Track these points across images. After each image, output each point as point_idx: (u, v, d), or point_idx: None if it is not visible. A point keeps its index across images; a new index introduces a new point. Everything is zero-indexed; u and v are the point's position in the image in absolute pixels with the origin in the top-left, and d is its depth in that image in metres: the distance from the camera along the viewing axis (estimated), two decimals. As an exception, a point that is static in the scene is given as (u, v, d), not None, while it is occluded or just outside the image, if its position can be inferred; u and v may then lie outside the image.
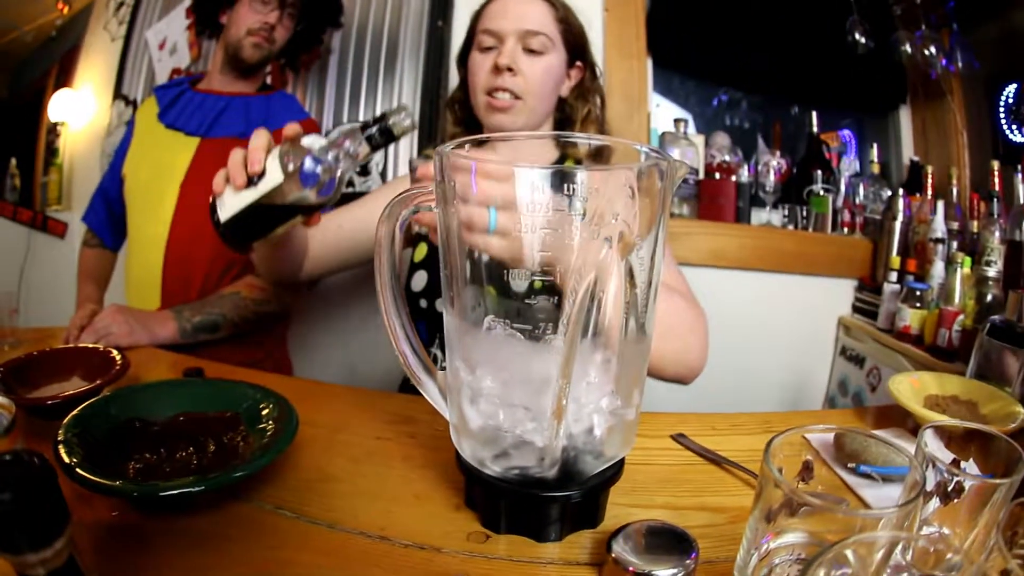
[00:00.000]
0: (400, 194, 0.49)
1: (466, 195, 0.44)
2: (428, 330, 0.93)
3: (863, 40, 1.54)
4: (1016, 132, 1.49)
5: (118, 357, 0.74)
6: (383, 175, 1.39)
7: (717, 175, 1.51)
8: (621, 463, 0.49)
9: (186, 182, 1.12)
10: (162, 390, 0.64)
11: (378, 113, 0.64)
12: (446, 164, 0.44)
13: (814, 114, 1.57)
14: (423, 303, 0.94)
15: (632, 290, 0.44)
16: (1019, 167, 1.44)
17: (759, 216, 1.52)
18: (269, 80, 1.28)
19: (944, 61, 1.54)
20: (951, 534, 0.39)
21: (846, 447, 0.55)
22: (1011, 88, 1.49)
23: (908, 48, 1.56)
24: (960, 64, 1.54)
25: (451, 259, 0.46)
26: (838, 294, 1.52)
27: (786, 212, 1.54)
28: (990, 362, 0.84)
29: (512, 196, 0.41)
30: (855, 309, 1.53)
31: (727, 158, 1.48)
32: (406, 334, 0.52)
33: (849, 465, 0.52)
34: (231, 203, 0.63)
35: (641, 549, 0.41)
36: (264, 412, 0.60)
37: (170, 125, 1.17)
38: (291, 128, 0.64)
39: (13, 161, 2.06)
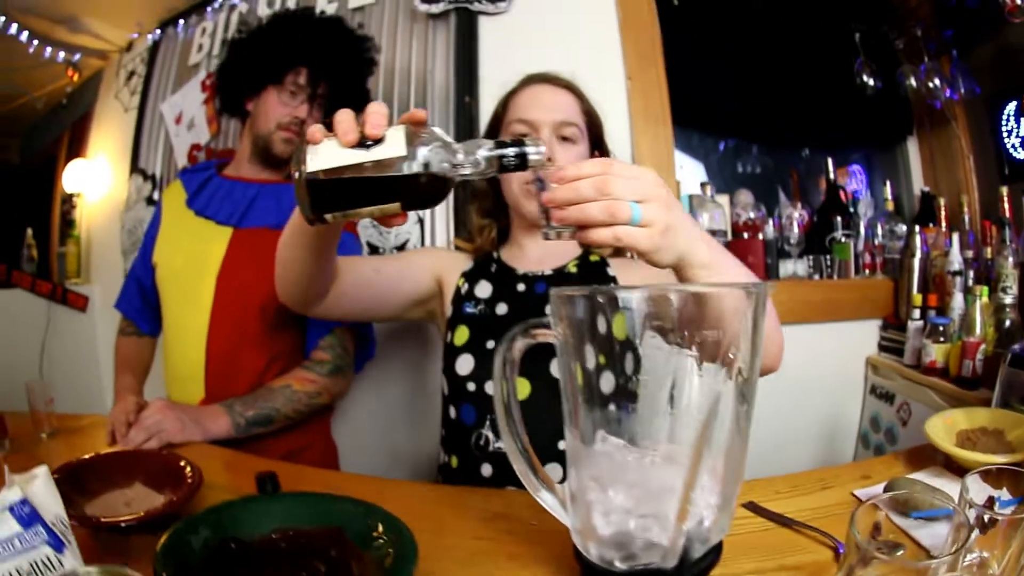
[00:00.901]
0: (520, 325, 0.53)
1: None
2: (477, 413, 0.94)
3: (872, 82, 1.57)
4: (1020, 150, 1.51)
5: (187, 468, 0.70)
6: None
7: (745, 234, 1.53)
8: (720, 544, 0.53)
9: (222, 274, 1.12)
10: (250, 506, 0.61)
11: (513, 138, 0.59)
12: (560, 306, 0.49)
13: (830, 161, 1.60)
14: (471, 386, 0.94)
15: (741, 407, 0.48)
16: (1026, 189, 1.46)
17: (785, 268, 1.55)
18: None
19: (948, 91, 1.57)
20: (990, 556, 0.45)
21: (897, 500, 0.62)
22: (1011, 106, 1.51)
23: (913, 82, 1.60)
24: (963, 91, 1.57)
25: (572, 390, 0.50)
26: (864, 335, 1.54)
27: (811, 262, 1.56)
28: (1013, 389, 0.90)
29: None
30: (881, 348, 1.55)
31: (751, 215, 1.51)
32: (523, 452, 0.55)
33: (902, 512, 0.58)
34: (330, 156, 0.55)
35: None
36: (370, 527, 0.57)
37: (200, 212, 1.17)
38: (419, 112, 0.59)
39: (29, 231, 2.07)
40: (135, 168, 1.77)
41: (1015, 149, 1.51)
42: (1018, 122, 1.49)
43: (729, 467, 0.49)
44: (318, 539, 0.55)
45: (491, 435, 0.92)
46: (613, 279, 1.00)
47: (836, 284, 1.54)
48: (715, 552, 0.53)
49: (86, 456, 0.71)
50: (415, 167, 0.55)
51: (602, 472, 0.50)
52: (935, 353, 1.33)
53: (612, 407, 0.49)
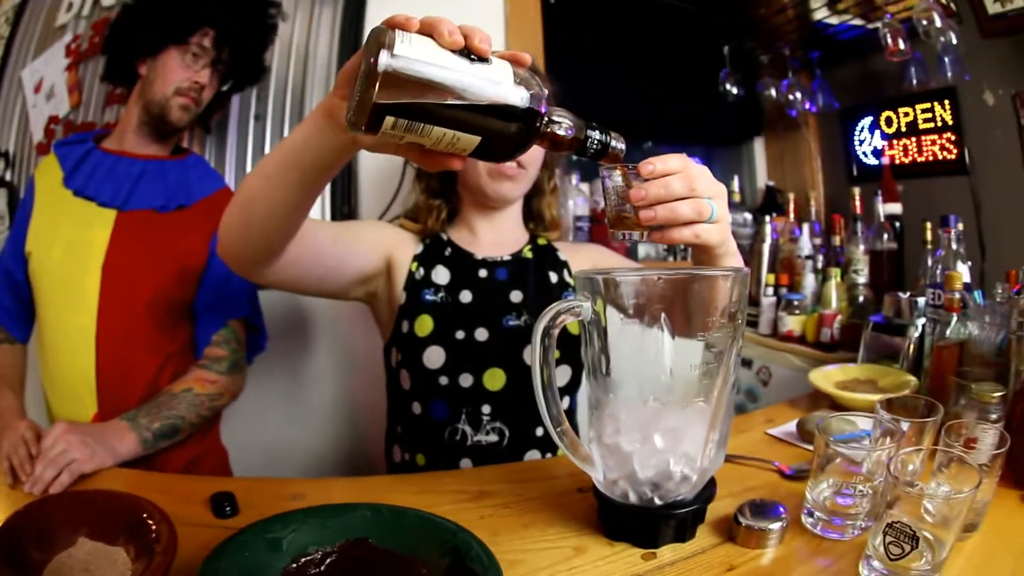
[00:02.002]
0: (555, 305, 0.56)
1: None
2: (450, 407, 0.91)
3: (735, 90, 1.75)
4: (870, 156, 1.73)
5: (143, 509, 0.56)
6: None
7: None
8: (714, 477, 0.63)
9: (107, 265, 0.99)
10: (257, 538, 0.54)
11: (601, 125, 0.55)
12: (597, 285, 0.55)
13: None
14: (443, 380, 0.90)
15: (735, 363, 0.58)
16: (878, 189, 1.64)
17: (642, 250, 1.72)
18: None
19: (808, 104, 1.77)
20: (906, 457, 0.59)
21: (806, 429, 0.85)
22: (867, 120, 1.72)
23: (773, 93, 1.81)
24: (821, 104, 1.78)
25: (595, 365, 0.57)
26: (716, 310, 1.75)
27: (665, 245, 1.68)
28: (875, 349, 1.12)
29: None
30: (735, 321, 1.77)
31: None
32: (559, 422, 0.58)
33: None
34: (427, 52, 0.46)
35: (752, 516, 0.59)
36: (403, 530, 0.56)
37: (79, 193, 1.03)
38: (525, 55, 0.52)
39: None
40: (-13, 144, 1.54)
41: (865, 156, 1.74)
42: (871, 134, 1.71)
43: (725, 411, 0.59)
44: (348, 558, 0.53)
45: (468, 429, 0.90)
46: (565, 263, 1.02)
47: (688, 265, 1.71)
48: (713, 483, 0.62)
49: (10, 516, 0.55)
50: (519, 104, 0.49)
51: (639, 423, 0.57)
52: (792, 324, 1.54)
53: (615, 375, 0.56)
